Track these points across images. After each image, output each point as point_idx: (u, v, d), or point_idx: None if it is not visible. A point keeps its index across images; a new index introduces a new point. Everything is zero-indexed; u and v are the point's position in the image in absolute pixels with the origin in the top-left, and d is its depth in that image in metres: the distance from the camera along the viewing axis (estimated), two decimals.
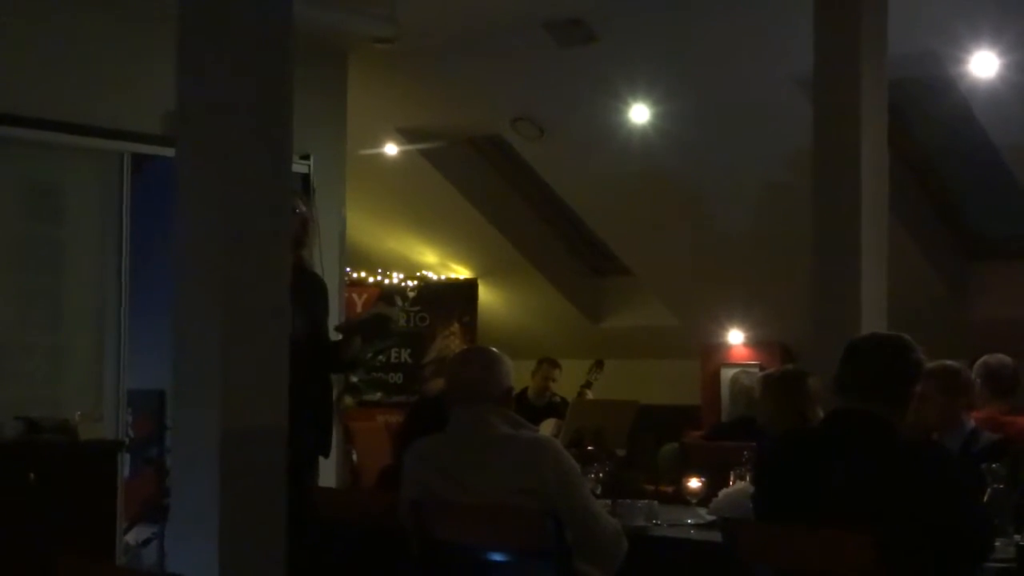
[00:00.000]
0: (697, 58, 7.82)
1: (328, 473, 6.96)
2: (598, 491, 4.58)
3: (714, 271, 9.30)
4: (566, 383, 9.05)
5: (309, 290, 5.44)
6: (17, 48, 6.83)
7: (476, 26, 7.86)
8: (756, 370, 9.17)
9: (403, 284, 10.56)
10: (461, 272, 10.98)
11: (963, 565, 3.35)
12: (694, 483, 4.72)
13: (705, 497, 4.68)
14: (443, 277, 10.90)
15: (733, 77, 7.82)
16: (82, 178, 7.27)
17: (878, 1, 6.01)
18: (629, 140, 8.52)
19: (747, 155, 8.31)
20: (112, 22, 7.15)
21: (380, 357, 10.00)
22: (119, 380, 7.13)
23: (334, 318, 6.25)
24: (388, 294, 10.33)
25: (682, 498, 4.78)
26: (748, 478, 4.52)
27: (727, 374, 9.87)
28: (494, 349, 3.99)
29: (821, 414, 4.58)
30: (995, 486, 3.96)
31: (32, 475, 6.11)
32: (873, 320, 5.75)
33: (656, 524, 4.50)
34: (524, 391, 8.60)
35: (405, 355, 10.30)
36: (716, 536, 3.71)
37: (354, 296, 10.20)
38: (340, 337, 5.61)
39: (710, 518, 4.48)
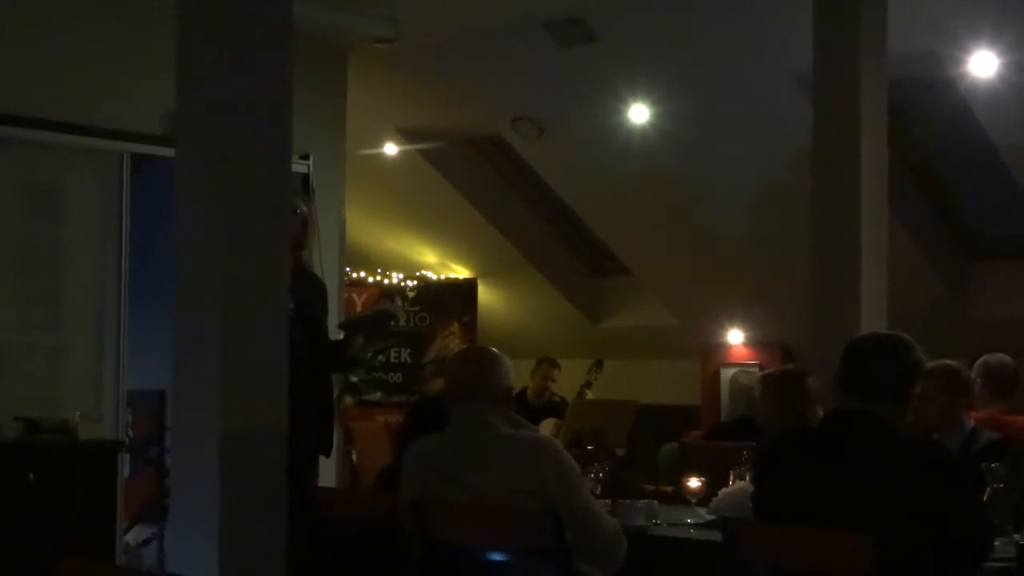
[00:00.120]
0: (697, 58, 7.82)
1: (328, 473, 6.96)
2: (598, 491, 4.58)
3: (714, 271, 9.30)
4: (566, 383, 9.05)
5: (309, 290, 5.43)
6: (17, 48, 6.83)
7: (476, 26, 7.86)
8: (756, 370, 9.17)
9: (403, 284, 10.56)
10: (461, 272, 10.98)
11: (963, 565, 3.35)
12: (694, 483, 4.72)
13: (705, 497, 4.68)
14: (443, 277, 10.91)
15: (733, 77, 7.82)
16: (82, 178, 7.26)
17: (878, 1, 6.01)
18: (629, 140, 8.52)
19: (747, 155, 8.31)
20: (112, 22, 7.15)
21: (380, 357, 10.00)
22: (119, 380, 7.13)
23: (334, 318, 6.25)
24: (388, 294, 10.33)
25: (682, 498, 4.79)
26: (748, 478, 4.52)
27: (727, 374, 9.87)
28: (494, 349, 3.99)
29: (821, 414, 4.58)
30: (995, 486, 3.96)
31: (32, 475, 6.11)
32: (873, 320, 5.75)
33: (656, 524, 4.50)
34: (524, 391, 8.60)
35: (405, 355, 10.30)
36: (716, 536, 3.71)
37: (354, 296, 10.20)
38: (342, 336, 5.61)
39: (710, 518, 4.48)
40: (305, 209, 5.51)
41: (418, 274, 10.75)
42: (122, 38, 7.17)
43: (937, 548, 3.24)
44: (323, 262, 5.83)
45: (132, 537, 7.16)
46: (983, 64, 7.06)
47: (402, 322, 10.21)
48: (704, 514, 4.56)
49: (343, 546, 4.11)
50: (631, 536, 3.86)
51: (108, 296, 7.17)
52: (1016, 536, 3.81)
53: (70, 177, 7.24)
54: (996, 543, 3.55)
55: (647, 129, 8.44)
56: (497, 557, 3.58)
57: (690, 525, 4.49)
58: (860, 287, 5.85)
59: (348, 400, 8.52)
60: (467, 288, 10.75)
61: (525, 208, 10.37)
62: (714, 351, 10.03)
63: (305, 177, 7.78)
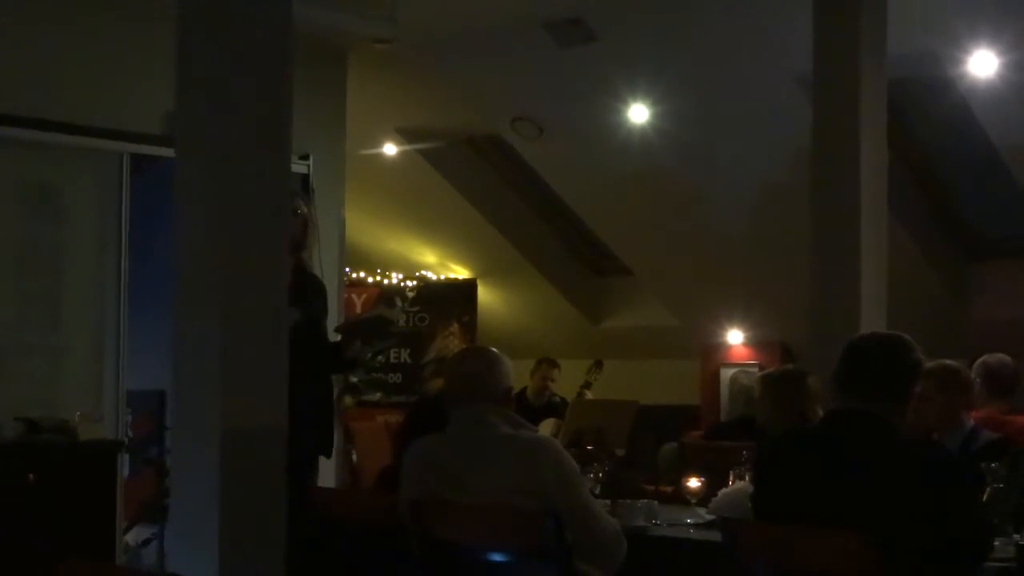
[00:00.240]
0: (697, 58, 7.83)
1: (328, 473, 6.96)
2: (598, 491, 4.57)
3: (714, 271, 9.30)
4: (565, 383, 9.05)
5: (308, 291, 5.43)
6: (17, 48, 6.82)
7: (476, 26, 7.86)
8: (756, 370, 9.19)
9: (402, 284, 10.56)
10: (460, 272, 10.98)
11: (963, 565, 3.34)
12: (694, 483, 4.72)
13: (705, 497, 4.68)
14: (442, 277, 10.91)
15: (733, 77, 7.82)
16: (82, 178, 7.26)
17: (878, 1, 6.01)
18: (629, 140, 8.52)
19: (747, 155, 8.31)
20: (112, 22, 7.15)
21: (380, 357, 10.00)
22: (119, 380, 7.13)
23: (333, 318, 6.25)
24: (388, 294, 10.34)
25: (682, 498, 4.78)
26: (747, 478, 4.52)
27: (727, 374, 9.89)
28: (493, 349, 3.99)
29: (821, 414, 4.58)
30: (995, 486, 3.95)
31: (32, 475, 6.11)
32: (873, 320, 5.75)
33: (656, 524, 4.49)
34: (523, 391, 8.59)
35: (405, 355, 10.30)
36: (716, 536, 3.71)
37: (353, 296, 10.20)
38: (339, 337, 5.61)
39: (710, 518, 4.47)
40: (305, 210, 5.51)
41: (418, 274, 10.75)
42: (122, 38, 7.17)
43: (937, 548, 3.24)
44: (323, 262, 5.82)
45: (132, 537, 7.16)
46: (983, 64, 7.06)
47: (401, 322, 10.22)
48: (704, 514, 4.56)
49: (343, 546, 4.11)
50: (631, 536, 3.86)
51: (108, 296, 7.17)
52: (1016, 536, 3.81)
53: (70, 177, 7.24)
54: (996, 543, 3.55)
55: (647, 129, 8.44)
56: (497, 557, 3.58)
57: (690, 525, 4.48)
58: (860, 287, 5.86)
59: (348, 400, 8.52)
60: (467, 288, 10.75)
61: (525, 208, 10.37)
62: (714, 351, 10.03)
63: (305, 177, 7.78)
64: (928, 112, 8.03)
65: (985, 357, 5.61)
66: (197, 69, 4.24)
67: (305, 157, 7.72)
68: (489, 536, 3.61)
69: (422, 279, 10.69)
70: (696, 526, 4.46)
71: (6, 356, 6.86)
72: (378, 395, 10.06)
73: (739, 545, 3.36)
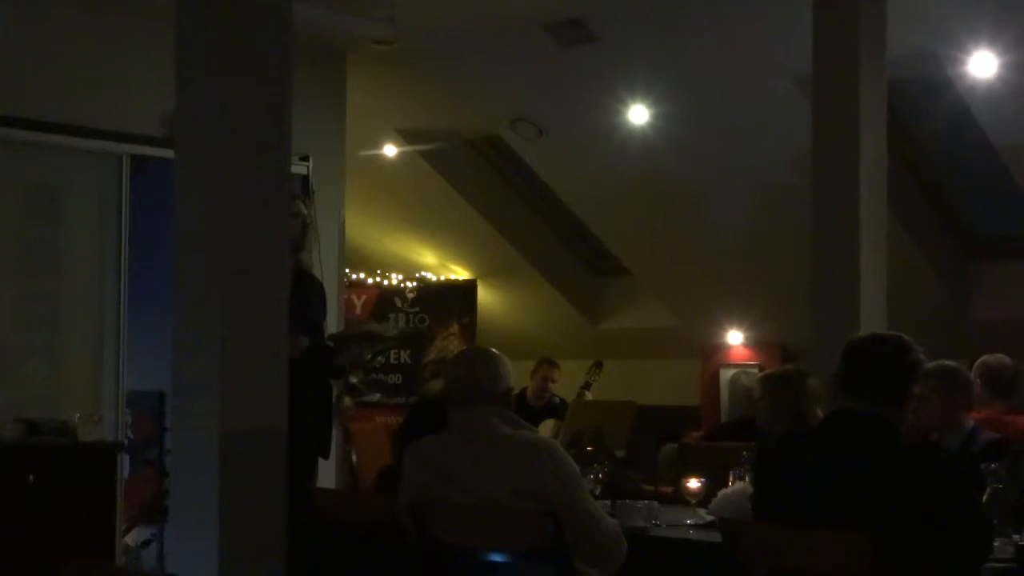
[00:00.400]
0: (696, 58, 7.82)
1: (328, 474, 6.96)
2: (597, 492, 4.57)
3: (713, 271, 9.30)
4: (565, 384, 9.05)
5: (307, 292, 5.44)
6: (16, 49, 6.83)
7: (475, 27, 7.86)
8: (756, 370, 9.19)
9: (402, 285, 10.56)
10: (460, 273, 10.98)
11: (962, 565, 3.34)
12: (693, 484, 4.72)
13: (704, 498, 4.68)
14: (442, 278, 10.91)
15: (732, 77, 7.82)
16: (82, 180, 7.26)
17: (878, 1, 6.01)
18: (628, 141, 8.52)
19: (746, 155, 8.31)
20: (112, 22, 7.15)
21: (379, 358, 10.00)
22: (118, 381, 7.13)
23: (332, 319, 6.26)
24: (385, 298, 10.33)
25: (681, 499, 4.78)
26: (747, 479, 4.52)
27: (727, 375, 9.89)
28: (493, 350, 3.99)
29: (821, 414, 4.58)
30: (995, 486, 3.95)
31: (31, 477, 6.11)
32: (872, 320, 5.75)
33: (655, 525, 4.49)
34: (523, 392, 8.58)
35: (404, 356, 10.30)
36: (715, 537, 3.71)
37: (353, 297, 10.20)
38: (331, 344, 5.64)
39: (709, 519, 4.47)
40: (305, 211, 5.52)
41: (418, 275, 10.75)
42: (122, 38, 7.17)
43: (937, 548, 3.24)
44: (323, 263, 5.83)
45: (131, 538, 7.16)
46: (982, 64, 7.06)
47: (401, 323, 10.23)
48: (704, 515, 4.56)
49: (342, 547, 4.11)
50: (631, 537, 3.86)
51: (108, 297, 7.17)
52: (1016, 536, 3.81)
53: (70, 178, 7.24)
54: (996, 543, 3.55)
55: (646, 130, 8.44)
56: (497, 558, 3.58)
57: (690, 526, 4.48)
58: (860, 287, 5.85)
59: (348, 401, 8.51)
60: (467, 289, 10.75)
61: (524, 209, 10.36)
62: (714, 352, 10.03)
63: (305, 178, 7.79)
64: (928, 112, 8.03)
65: (985, 357, 5.60)
66: (197, 69, 4.24)
67: (305, 158, 7.72)
68: (489, 537, 3.61)
69: (422, 280, 10.69)
70: (696, 527, 4.46)
71: (6, 357, 6.86)
72: (378, 396, 10.06)
73: (739, 546, 3.36)
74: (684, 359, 10.04)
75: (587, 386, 9.01)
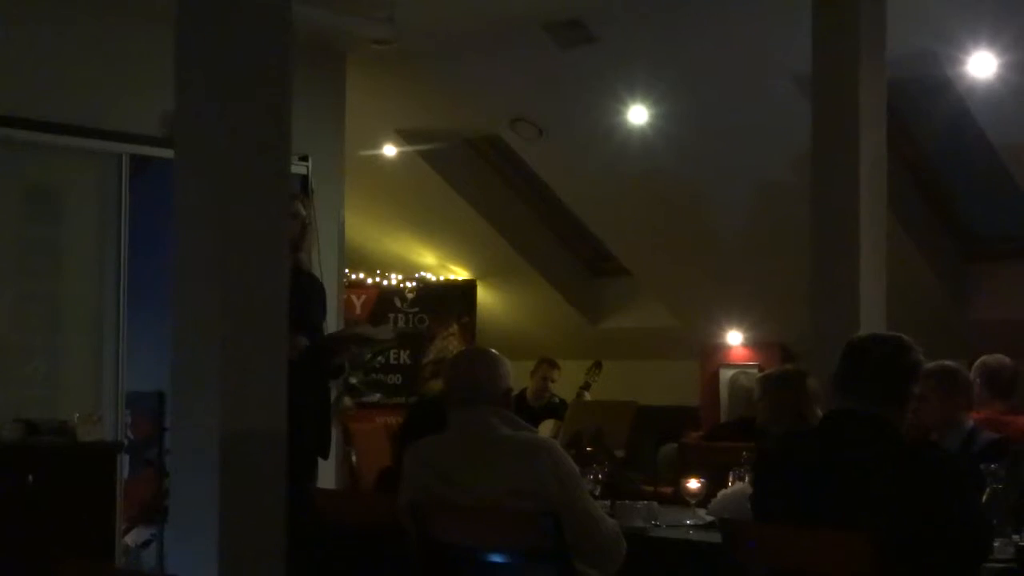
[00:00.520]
0: (696, 58, 7.82)
1: (327, 475, 6.96)
2: (597, 492, 4.57)
3: (713, 271, 9.30)
4: (565, 384, 9.05)
5: (307, 292, 5.44)
6: (17, 49, 6.83)
7: (475, 27, 7.86)
8: (755, 371, 9.19)
9: (402, 285, 10.56)
10: (460, 273, 10.98)
11: (962, 565, 3.34)
12: (693, 484, 4.72)
13: (704, 498, 4.68)
14: (442, 278, 10.91)
15: (732, 77, 7.82)
16: (81, 179, 7.26)
17: (878, 2, 6.01)
18: (628, 141, 8.52)
19: (746, 155, 8.31)
20: (112, 22, 7.15)
21: (379, 358, 10.00)
22: (118, 381, 7.13)
23: (332, 319, 6.26)
24: (385, 298, 10.33)
25: (681, 499, 4.78)
26: (747, 479, 4.52)
27: (726, 375, 9.89)
28: (493, 350, 3.99)
29: (820, 414, 4.58)
30: (995, 486, 3.95)
31: (31, 477, 6.11)
32: (872, 320, 5.75)
33: (655, 525, 4.49)
34: (523, 392, 8.59)
35: (404, 356, 10.30)
36: (715, 537, 3.71)
37: (353, 298, 10.20)
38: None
39: (709, 519, 4.47)
40: (304, 212, 5.52)
41: (417, 275, 10.75)
42: (122, 38, 7.17)
43: (937, 549, 3.24)
44: (322, 263, 5.83)
45: (131, 539, 7.16)
46: (982, 64, 7.06)
47: (400, 324, 10.23)
48: (703, 515, 4.56)
49: (342, 548, 4.11)
50: (630, 537, 3.86)
51: (107, 297, 7.17)
52: (1015, 537, 3.81)
53: (70, 178, 7.24)
54: (995, 544, 3.55)
55: (646, 130, 8.44)
56: (496, 558, 3.58)
57: (689, 526, 4.48)
58: (860, 287, 5.85)
59: (347, 401, 8.52)
60: (466, 289, 10.75)
61: (524, 209, 10.36)
62: (713, 352, 10.03)
63: (304, 178, 7.79)
64: (927, 112, 8.03)
65: (985, 357, 5.60)
66: (197, 69, 4.23)
67: (305, 158, 7.72)
68: (488, 537, 3.61)
69: (421, 280, 10.69)
70: (695, 527, 4.46)
71: (6, 357, 6.86)
72: (378, 396, 10.06)
73: (739, 546, 3.36)
74: (684, 359, 10.04)
75: (587, 386, 9.02)
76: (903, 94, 7.49)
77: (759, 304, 9.33)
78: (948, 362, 4.92)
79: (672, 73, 8.01)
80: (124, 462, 6.85)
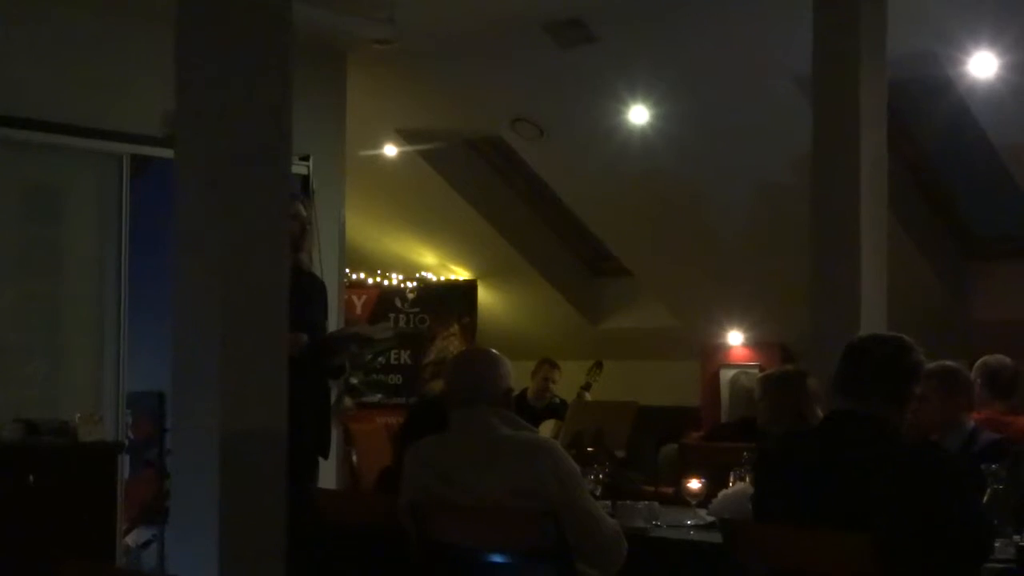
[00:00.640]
0: (696, 59, 7.82)
1: (328, 475, 6.96)
2: (598, 492, 4.57)
3: (714, 272, 9.30)
4: (565, 384, 9.05)
5: (307, 292, 5.44)
6: (16, 49, 6.83)
7: (475, 27, 7.86)
8: (756, 371, 9.19)
9: (403, 285, 10.56)
10: (460, 273, 10.98)
11: (962, 565, 3.34)
12: (694, 484, 4.72)
13: (705, 498, 4.68)
14: (442, 278, 10.90)
15: (732, 78, 7.82)
16: (82, 180, 7.27)
17: (878, 2, 6.01)
18: (628, 141, 8.52)
19: (746, 156, 8.31)
20: (112, 23, 7.15)
21: (380, 358, 10.00)
22: (118, 382, 7.13)
23: (333, 319, 6.25)
24: (385, 298, 10.33)
25: (682, 499, 4.78)
26: (748, 479, 4.52)
27: (727, 375, 9.89)
28: (493, 350, 3.98)
29: (821, 414, 4.58)
30: (995, 486, 3.95)
31: (31, 477, 6.11)
32: (873, 320, 5.75)
33: (656, 525, 4.49)
34: (523, 392, 8.59)
35: (405, 356, 10.30)
36: (716, 537, 3.71)
37: (353, 298, 10.20)
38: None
39: (710, 519, 4.47)
40: (304, 213, 5.52)
41: (418, 275, 10.75)
42: (122, 39, 7.17)
43: (937, 549, 3.23)
44: (323, 263, 5.83)
45: (132, 539, 7.16)
46: (982, 65, 7.06)
47: (401, 324, 10.22)
48: (704, 515, 4.56)
49: (343, 548, 4.11)
50: (631, 537, 3.86)
51: (108, 297, 7.18)
52: (1016, 537, 3.81)
53: (70, 178, 7.25)
54: (996, 544, 3.55)
55: (647, 130, 8.44)
56: (497, 559, 3.58)
57: (690, 527, 4.48)
58: (860, 287, 5.85)
59: (348, 401, 8.52)
60: (467, 289, 10.75)
61: (525, 209, 10.37)
62: (714, 352, 10.03)
63: (305, 178, 7.79)
64: (928, 113, 8.03)
65: (985, 358, 5.60)
66: (197, 70, 4.24)
67: (305, 158, 7.72)
68: (489, 537, 3.61)
69: (422, 280, 10.69)
70: (696, 527, 4.46)
71: (6, 357, 6.86)
72: (378, 396, 10.06)
73: (739, 546, 3.36)
74: (684, 359, 10.04)
75: (587, 386, 9.02)
76: (904, 94, 7.49)
77: (759, 304, 9.33)
78: (949, 362, 4.92)
79: (672, 73, 8.01)
80: (125, 462, 6.84)
